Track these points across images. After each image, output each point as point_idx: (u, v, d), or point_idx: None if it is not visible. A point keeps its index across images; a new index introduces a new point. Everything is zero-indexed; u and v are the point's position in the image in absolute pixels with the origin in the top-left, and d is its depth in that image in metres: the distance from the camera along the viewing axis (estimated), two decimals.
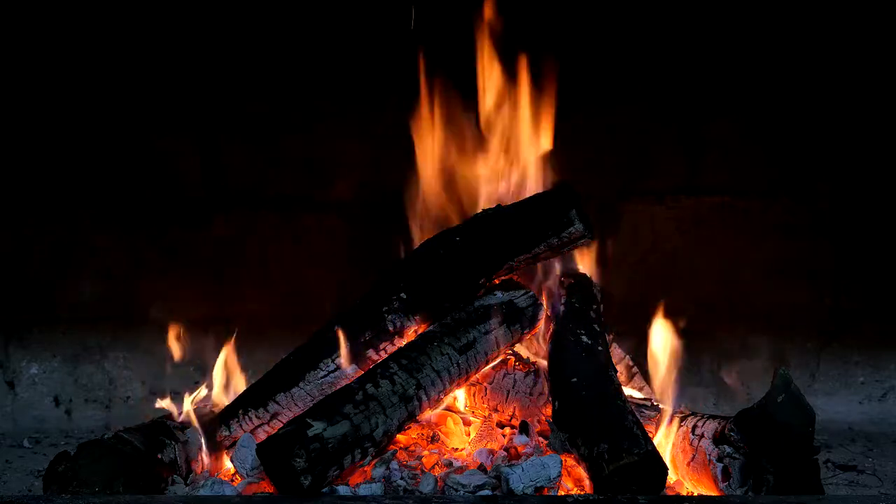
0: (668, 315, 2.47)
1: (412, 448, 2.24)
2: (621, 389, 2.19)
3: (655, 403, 2.33)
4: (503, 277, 2.42)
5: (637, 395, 2.48)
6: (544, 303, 2.45)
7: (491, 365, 2.36)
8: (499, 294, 2.36)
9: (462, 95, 2.66)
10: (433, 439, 2.29)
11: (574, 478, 2.09)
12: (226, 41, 3.10)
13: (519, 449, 2.23)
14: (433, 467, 2.15)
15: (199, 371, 3.11)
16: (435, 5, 2.92)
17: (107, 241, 3.18)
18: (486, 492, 2.00)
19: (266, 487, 2.07)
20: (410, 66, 2.97)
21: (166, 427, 2.22)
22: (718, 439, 2.05)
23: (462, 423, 2.36)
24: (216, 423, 2.31)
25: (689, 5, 3.07)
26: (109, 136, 3.15)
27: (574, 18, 3.07)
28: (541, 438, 2.26)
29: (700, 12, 3.08)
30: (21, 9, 3.04)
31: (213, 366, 2.48)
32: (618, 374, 2.29)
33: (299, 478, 1.94)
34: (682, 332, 2.43)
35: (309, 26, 3.11)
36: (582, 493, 2.04)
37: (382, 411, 2.07)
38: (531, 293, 2.39)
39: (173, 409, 2.33)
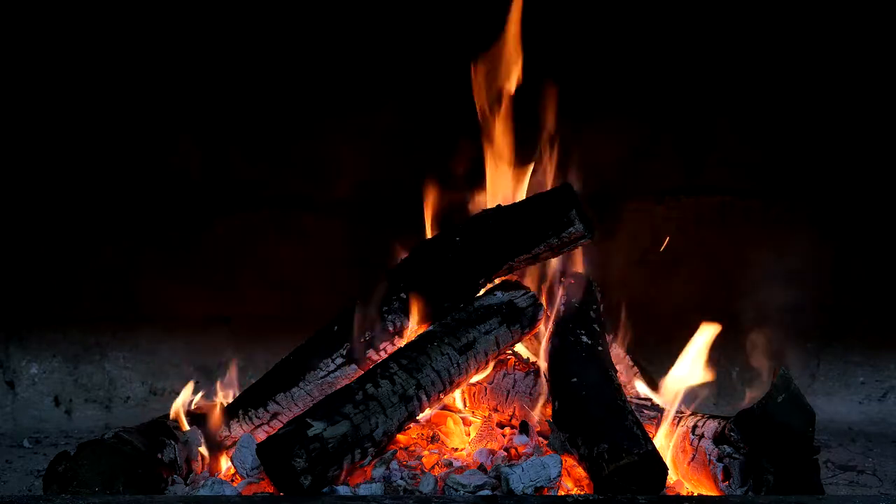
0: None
1: (412, 448, 2.24)
2: (621, 389, 2.19)
3: (655, 403, 2.34)
4: (503, 277, 2.42)
5: (637, 394, 2.48)
6: (544, 303, 2.45)
7: (491, 365, 2.36)
8: (499, 294, 2.36)
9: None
10: (433, 439, 2.29)
11: (574, 478, 2.09)
12: (227, 44, 3.11)
13: (519, 449, 2.23)
14: (433, 467, 2.15)
15: (199, 371, 3.11)
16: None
17: (107, 240, 3.18)
18: (486, 492, 2.00)
19: (266, 487, 2.07)
20: (408, 69, 2.98)
21: (166, 427, 2.22)
22: (718, 439, 2.05)
23: (462, 423, 2.36)
24: (216, 422, 2.31)
25: (690, 7, 3.08)
26: (110, 137, 3.15)
27: (578, 17, 3.07)
28: (541, 438, 2.26)
29: (701, 14, 3.08)
30: (28, 12, 3.05)
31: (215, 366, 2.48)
32: (618, 374, 2.29)
33: (299, 478, 1.94)
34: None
35: (309, 29, 3.11)
36: (582, 493, 2.04)
37: (382, 411, 2.07)
38: (531, 293, 2.39)
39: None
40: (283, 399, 2.31)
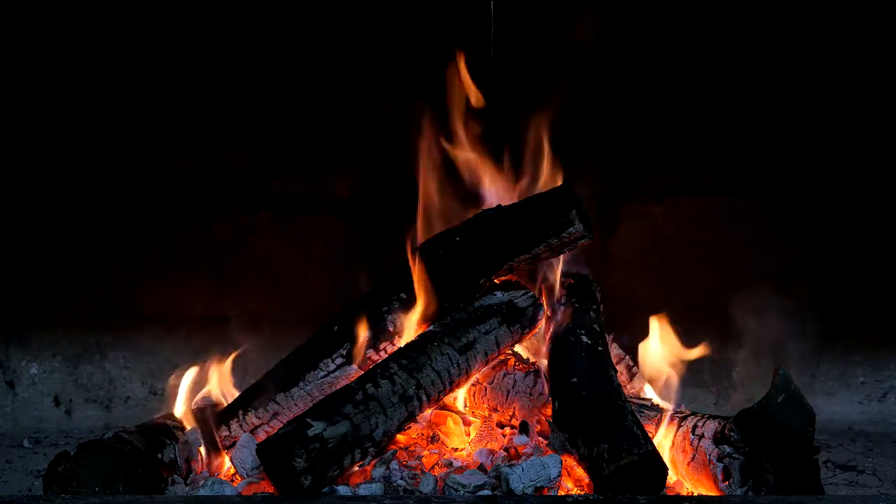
0: (667, 316, 2.48)
1: (412, 448, 2.24)
2: (621, 389, 2.19)
3: (655, 403, 2.34)
4: (503, 277, 2.42)
5: (637, 394, 2.48)
6: (544, 303, 2.45)
7: (491, 365, 2.36)
8: (499, 294, 2.36)
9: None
10: (433, 439, 2.29)
11: (574, 478, 2.09)
12: (226, 42, 3.10)
13: (519, 449, 2.23)
14: (433, 467, 2.15)
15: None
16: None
17: (107, 241, 3.18)
18: (486, 492, 2.00)
19: (266, 487, 2.07)
20: (408, 69, 2.98)
21: (166, 427, 2.22)
22: (718, 439, 2.05)
23: (462, 423, 2.36)
24: (216, 422, 2.31)
25: (690, 7, 3.07)
26: (110, 136, 3.15)
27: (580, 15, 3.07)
28: (541, 438, 2.26)
29: (701, 14, 3.08)
30: (27, 10, 3.04)
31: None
32: (618, 374, 2.29)
33: (299, 478, 1.94)
34: (681, 333, 2.44)
35: (309, 29, 3.10)
36: (582, 493, 2.04)
37: (382, 411, 2.07)
38: (531, 293, 2.39)
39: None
40: (283, 399, 2.31)
